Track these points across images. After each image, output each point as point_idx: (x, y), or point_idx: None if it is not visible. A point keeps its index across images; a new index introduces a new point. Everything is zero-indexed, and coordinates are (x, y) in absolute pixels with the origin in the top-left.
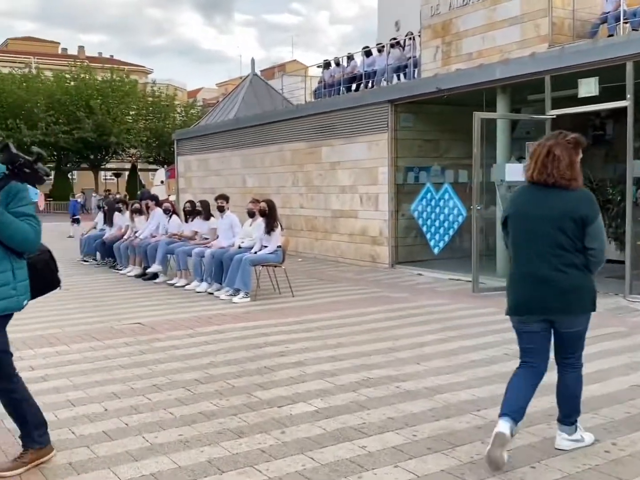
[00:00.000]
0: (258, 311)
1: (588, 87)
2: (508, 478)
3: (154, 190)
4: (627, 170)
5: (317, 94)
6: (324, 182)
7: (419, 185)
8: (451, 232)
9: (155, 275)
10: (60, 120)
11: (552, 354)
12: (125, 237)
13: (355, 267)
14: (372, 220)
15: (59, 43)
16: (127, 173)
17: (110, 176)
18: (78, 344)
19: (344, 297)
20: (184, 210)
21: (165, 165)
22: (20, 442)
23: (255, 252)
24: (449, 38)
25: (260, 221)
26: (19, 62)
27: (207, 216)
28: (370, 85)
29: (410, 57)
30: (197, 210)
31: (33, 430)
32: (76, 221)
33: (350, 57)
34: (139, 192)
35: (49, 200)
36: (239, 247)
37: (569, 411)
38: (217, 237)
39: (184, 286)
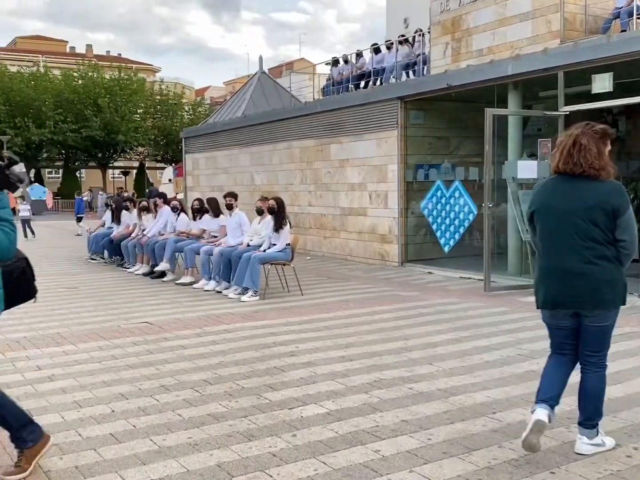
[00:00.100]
0: (267, 310)
1: (602, 82)
2: None
3: (161, 189)
4: None
5: (325, 92)
6: (332, 179)
7: (429, 183)
8: (462, 230)
9: (163, 274)
10: (69, 119)
11: None
12: (133, 235)
13: (364, 265)
14: (381, 218)
15: (67, 42)
16: (134, 171)
17: (118, 174)
18: (85, 343)
19: (354, 296)
20: (192, 208)
21: (173, 164)
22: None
23: (264, 250)
24: (458, 34)
25: (269, 219)
26: (27, 61)
27: (216, 214)
28: (379, 82)
29: (419, 54)
30: (205, 208)
31: (21, 431)
32: (79, 219)
33: (359, 55)
34: (147, 190)
35: (57, 199)
36: (248, 245)
37: (590, 414)
38: (226, 235)
39: (190, 284)
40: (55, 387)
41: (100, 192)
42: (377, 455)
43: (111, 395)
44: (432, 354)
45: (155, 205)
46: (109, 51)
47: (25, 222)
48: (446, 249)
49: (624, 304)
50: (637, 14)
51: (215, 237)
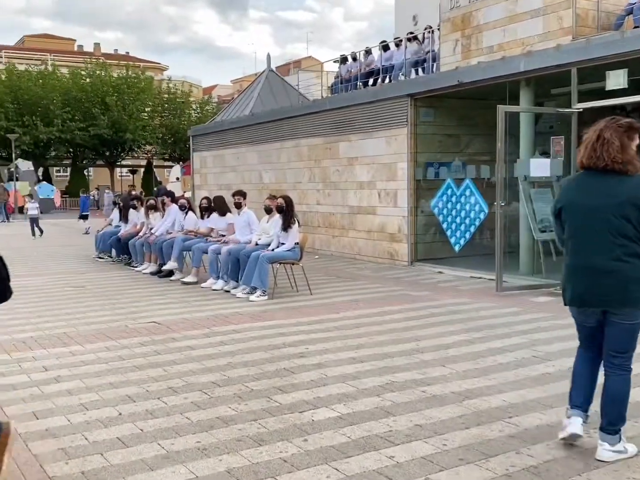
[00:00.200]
0: (276, 310)
1: (617, 79)
2: None
3: (169, 187)
4: None
5: (333, 89)
6: (341, 178)
7: (439, 181)
8: (472, 229)
9: (171, 273)
10: (76, 117)
11: None
12: (140, 233)
13: (373, 264)
14: (390, 216)
15: (74, 40)
16: (142, 170)
17: (126, 173)
18: (92, 343)
19: (363, 296)
20: (199, 207)
21: (180, 162)
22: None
23: (273, 250)
24: (468, 31)
25: (277, 218)
26: (36, 59)
27: (223, 212)
28: (387, 80)
29: (428, 51)
30: (213, 207)
31: None
32: (84, 217)
33: (367, 52)
34: (155, 189)
35: (65, 197)
36: (256, 244)
37: (613, 419)
38: (234, 233)
39: (194, 283)
40: (62, 388)
41: (107, 191)
42: (391, 462)
43: (118, 398)
44: (444, 355)
45: (163, 203)
46: (116, 50)
47: (34, 220)
48: (456, 248)
49: None
50: None
51: (224, 235)
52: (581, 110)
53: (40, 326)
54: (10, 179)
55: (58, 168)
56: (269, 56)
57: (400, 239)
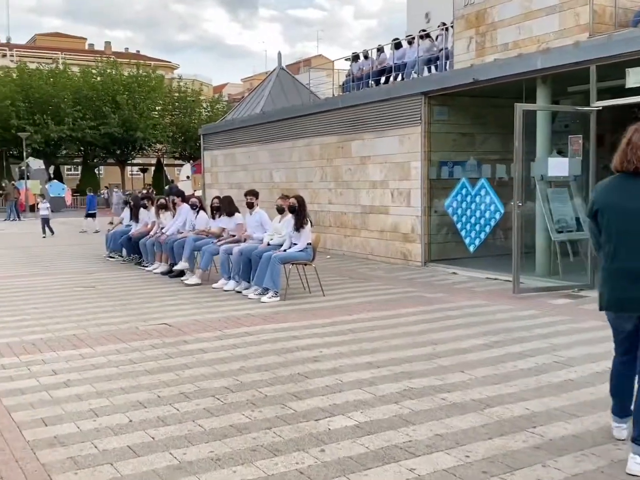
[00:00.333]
0: (288, 312)
1: (637, 76)
2: None
3: (179, 186)
4: None
5: (345, 88)
6: (353, 177)
7: (453, 180)
8: (487, 229)
9: (182, 273)
10: (87, 116)
11: None
12: (151, 233)
13: (386, 264)
14: (403, 216)
15: (85, 39)
16: (153, 168)
17: (137, 171)
18: (103, 346)
19: (377, 297)
20: (211, 207)
21: (191, 161)
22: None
23: (285, 250)
24: (483, 28)
25: (289, 218)
26: (47, 58)
27: (229, 212)
28: (400, 78)
29: (441, 49)
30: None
31: None
32: (92, 215)
33: (379, 50)
34: (167, 187)
35: (76, 195)
36: (268, 244)
37: None
38: (244, 233)
39: (199, 285)
40: (71, 393)
41: (115, 189)
42: (412, 474)
43: (129, 403)
44: (463, 360)
45: (174, 203)
46: (127, 48)
47: (45, 220)
48: (471, 248)
49: None
50: None
51: (233, 235)
52: (600, 108)
53: (50, 327)
54: (22, 178)
55: (69, 166)
56: (279, 54)
57: (414, 239)
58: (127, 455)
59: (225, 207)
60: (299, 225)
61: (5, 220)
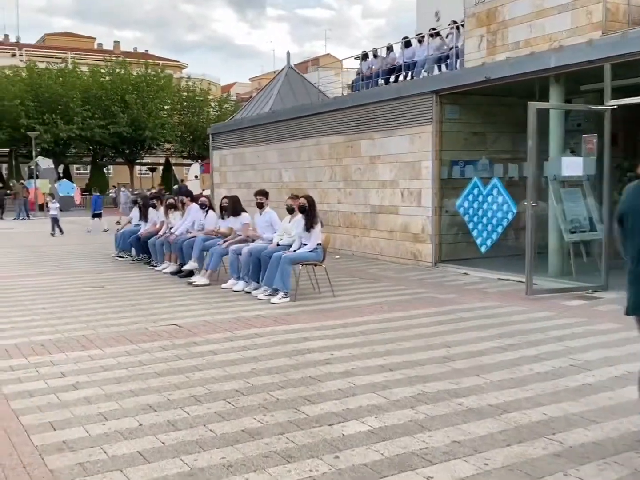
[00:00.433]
0: (298, 313)
1: None
2: None
3: (188, 185)
4: None
5: (354, 87)
6: (363, 176)
7: (464, 180)
8: (500, 229)
9: (191, 273)
10: (96, 115)
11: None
12: (160, 233)
13: (396, 265)
14: (414, 216)
15: (94, 38)
16: (161, 168)
17: (145, 171)
18: (112, 347)
19: (388, 298)
20: (220, 207)
21: (199, 160)
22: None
23: (295, 250)
24: (494, 27)
25: (299, 218)
26: (56, 58)
27: (236, 212)
28: (409, 76)
29: (452, 48)
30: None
31: None
32: (97, 216)
33: (389, 48)
34: (176, 187)
35: (85, 195)
36: (278, 245)
37: None
38: (249, 235)
39: (207, 285)
40: (80, 396)
41: (123, 189)
42: None
43: (138, 407)
44: (478, 364)
45: (183, 203)
46: (136, 48)
47: (55, 220)
48: (483, 249)
49: None
50: None
51: (240, 235)
52: (615, 107)
53: (59, 328)
54: (31, 177)
55: (78, 166)
56: (288, 53)
57: (424, 239)
58: (137, 461)
59: (230, 207)
60: (309, 226)
61: (14, 219)
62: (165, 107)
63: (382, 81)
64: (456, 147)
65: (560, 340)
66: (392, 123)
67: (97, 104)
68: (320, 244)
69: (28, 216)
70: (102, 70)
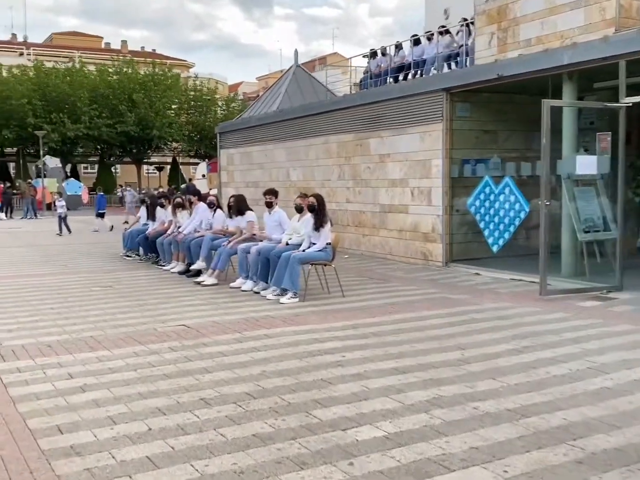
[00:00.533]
0: (308, 313)
1: None
2: None
3: (195, 184)
4: None
5: (362, 85)
6: (372, 175)
7: (475, 179)
8: (512, 229)
9: (199, 273)
10: (104, 114)
11: None
12: (168, 232)
13: (406, 264)
14: (424, 215)
15: (102, 37)
16: (168, 167)
17: (153, 170)
18: (120, 348)
19: (399, 299)
20: (228, 206)
21: (206, 159)
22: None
23: (304, 250)
24: (505, 24)
25: (308, 217)
26: (63, 57)
27: (240, 211)
28: (419, 74)
29: (461, 45)
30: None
31: None
32: (101, 215)
33: (397, 46)
34: (184, 186)
35: (93, 194)
36: (286, 244)
37: None
38: (254, 232)
39: (213, 285)
40: (88, 398)
41: (128, 188)
42: None
43: (147, 410)
44: (493, 366)
45: (190, 202)
46: (143, 47)
47: (62, 218)
48: (495, 248)
49: None
50: None
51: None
52: (630, 104)
53: (66, 329)
54: (38, 176)
55: (85, 165)
56: (296, 52)
57: (435, 238)
58: (146, 466)
59: (235, 206)
60: (318, 225)
61: (22, 218)
62: (173, 106)
63: (391, 79)
64: (467, 146)
65: (576, 342)
66: (402, 121)
67: (105, 103)
68: (329, 243)
69: (36, 215)
70: (110, 70)
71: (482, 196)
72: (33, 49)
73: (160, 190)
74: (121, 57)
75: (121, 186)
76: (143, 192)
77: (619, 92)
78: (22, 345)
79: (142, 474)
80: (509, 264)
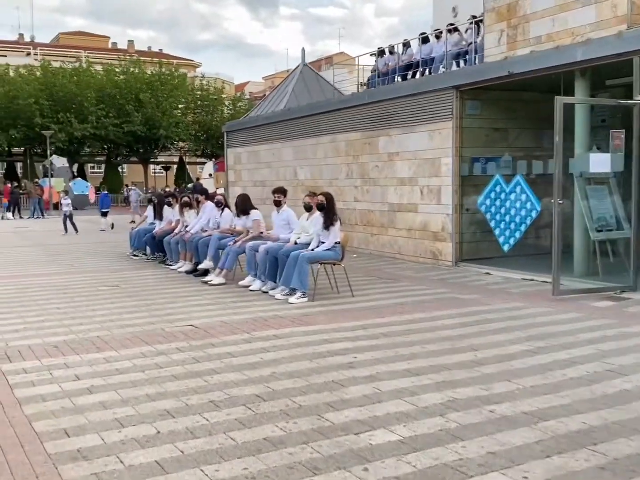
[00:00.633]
0: (317, 313)
1: None
2: None
3: (202, 183)
4: None
5: (370, 84)
6: (380, 174)
7: (486, 177)
8: (523, 228)
9: (206, 272)
10: (110, 114)
11: None
12: (176, 231)
13: (415, 264)
14: (433, 214)
15: (109, 37)
16: (175, 167)
17: (159, 170)
18: (127, 349)
19: (409, 298)
20: (235, 205)
21: (213, 159)
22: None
23: (313, 249)
24: (514, 21)
25: (317, 215)
26: (70, 57)
27: (245, 210)
28: (427, 73)
29: (470, 43)
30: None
31: None
32: (104, 214)
33: (405, 45)
34: (191, 185)
35: (99, 194)
36: (295, 243)
37: None
38: (260, 231)
39: (221, 284)
40: (95, 400)
41: (133, 187)
42: None
43: (156, 412)
44: (508, 368)
45: (198, 201)
46: (150, 47)
47: (68, 217)
48: (505, 247)
49: None
50: None
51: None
52: None
53: (73, 329)
54: (45, 175)
55: (92, 165)
56: (303, 50)
57: (444, 237)
58: (155, 471)
59: (239, 206)
60: (328, 223)
61: (29, 217)
62: (180, 105)
63: (399, 78)
64: (477, 144)
65: (592, 343)
66: (411, 119)
67: (112, 103)
68: (339, 242)
69: (43, 215)
70: (117, 69)
71: (492, 195)
72: (40, 49)
73: (167, 189)
74: (128, 57)
75: (127, 185)
76: (149, 192)
77: (633, 89)
78: (29, 345)
79: (151, 479)
80: (519, 263)
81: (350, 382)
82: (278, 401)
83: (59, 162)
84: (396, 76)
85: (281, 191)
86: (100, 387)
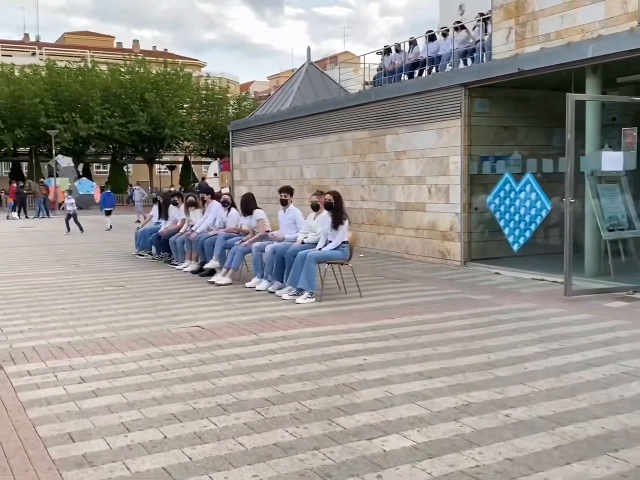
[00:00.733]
0: (325, 314)
1: None
2: None
3: (207, 183)
4: None
5: (376, 82)
6: (388, 172)
7: (495, 176)
8: (533, 227)
9: (212, 272)
10: (116, 114)
11: None
12: (181, 230)
13: (423, 264)
14: (441, 213)
15: (114, 37)
16: (180, 166)
17: (164, 169)
18: (133, 350)
19: (418, 299)
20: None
21: (218, 158)
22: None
23: (320, 249)
24: (523, 18)
25: (325, 214)
26: (75, 56)
27: (248, 210)
28: (435, 71)
29: (477, 41)
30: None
31: None
32: (107, 213)
33: (412, 43)
34: (197, 184)
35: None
36: (302, 243)
37: None
38: (266, 230)
39: (227, 284)
40: (100, 404)
41: (137, 187)
42: None
43: (162, 416)
44: (522, 371)
45: (203, 201)
46: (155, 47)
47: (71, 216)
48: (515, 247)
49: None
50: None
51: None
52: None
53: (78, 330)
54: (51, 175)
55: (97, 164)
56: (309, 49)
57: (453, 237)
58: (162, 478)
59: (243, 206)
60: (337, 223)
61: (34, 217)
62: (185, 105)
63: (406, 76)
64: (486, 142)
65: (607, 345)
66: (419, 117)
67: (117, 103)
68: (347, 242)
69: (48, 214)
70: (122, 69)
71: (502, 194)
72: (45, 49)
73: (172, 189)
74: (133, 57)
75: (131, 185)
76: (156, 191)
77: None
78: (33, 347)
79: None
80: (529, 263)
81: (361, 385)
82: (288, 405)
83: (64, 161)
84: (403, 74)
85: (288, 190)
86: (105, 390)
